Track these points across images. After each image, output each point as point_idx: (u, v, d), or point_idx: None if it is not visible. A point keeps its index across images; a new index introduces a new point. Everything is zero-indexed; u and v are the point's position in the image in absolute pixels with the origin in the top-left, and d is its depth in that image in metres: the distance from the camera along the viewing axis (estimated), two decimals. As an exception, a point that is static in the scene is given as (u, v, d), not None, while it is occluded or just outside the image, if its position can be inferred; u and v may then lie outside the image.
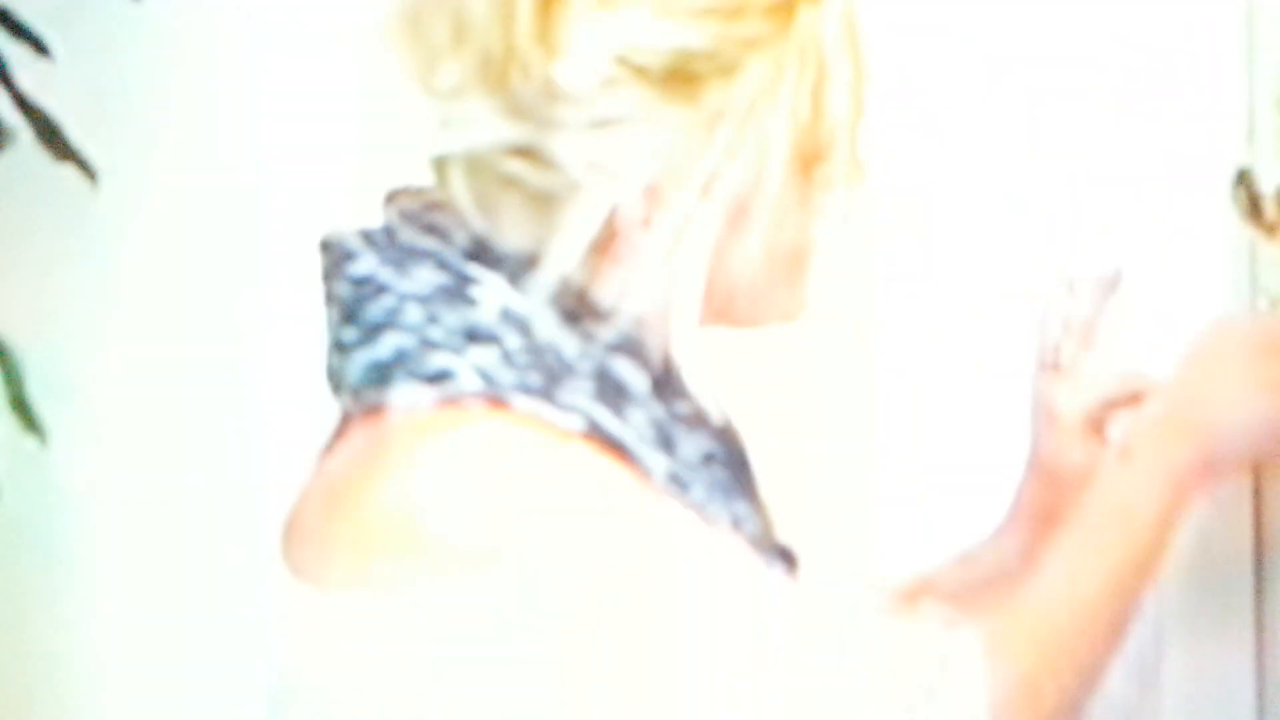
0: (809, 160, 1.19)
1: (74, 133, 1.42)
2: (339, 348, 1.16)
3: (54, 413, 1.45)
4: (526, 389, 1.11)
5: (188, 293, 1.54)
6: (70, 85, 1.49)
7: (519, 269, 1.15)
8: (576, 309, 1.15)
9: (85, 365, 1.57)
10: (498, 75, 1.14)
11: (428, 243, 1.17)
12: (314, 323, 1.16)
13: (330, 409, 1.16)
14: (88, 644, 1.59)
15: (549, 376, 1.13)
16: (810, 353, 1.29)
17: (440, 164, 1.17)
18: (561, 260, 1.14)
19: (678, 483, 1.15)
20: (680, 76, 1.15)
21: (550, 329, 1.14)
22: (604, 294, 1.15)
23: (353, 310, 1.15)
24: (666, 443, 1.17)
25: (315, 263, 1.19)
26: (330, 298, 1.17)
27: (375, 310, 1.14)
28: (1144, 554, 1.27)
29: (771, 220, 1.17)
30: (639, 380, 1.16)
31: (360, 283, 1.16)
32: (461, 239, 1.17)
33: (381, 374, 1.12)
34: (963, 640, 1.16)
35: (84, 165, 1.40)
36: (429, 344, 1.12)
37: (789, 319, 1.24)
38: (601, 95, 1.14)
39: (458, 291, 1.14)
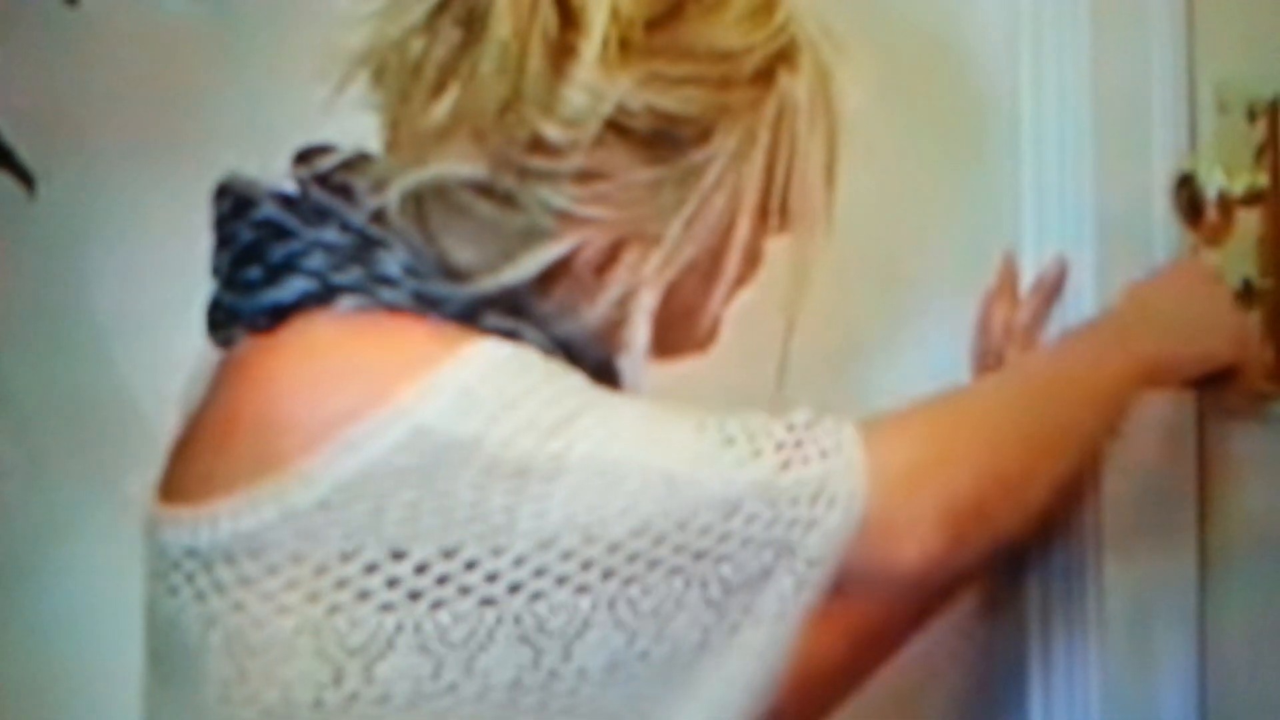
0: (771, 213, 1.27)
1: (10, 139, 1.39)
2: (237, 285, 1.21)
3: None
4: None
5: (130, 302, 1.53)
6: (3, 90, 1.47)
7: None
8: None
9: (17, 372, 1.55)
10: (490, 124, 1.19)
11: (336, 204, 1.21)
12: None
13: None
14: None
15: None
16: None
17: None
18: (502, 282, 1.20)
19: None
20: (661, 138, 1.22)
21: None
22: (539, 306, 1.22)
23: (255, 251, 1.20)
24: None
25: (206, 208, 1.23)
26: (225, 240, 1.22)
27: (279, 252, 1.20)
28: (1070, 399, 1.38)
29: (728, 266, 1.26)
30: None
31: (262, 225, 1.21)
32: (370, 205, 1.21)
33: (283, 314, 1.19)
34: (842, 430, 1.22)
35: (21, 172, 1.38)
36: (332, 288, 1.18)
37: (704, 351, 1.33)
38: (584, 152, 1.20)
39: (364, 248, 1.20)
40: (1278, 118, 1.53)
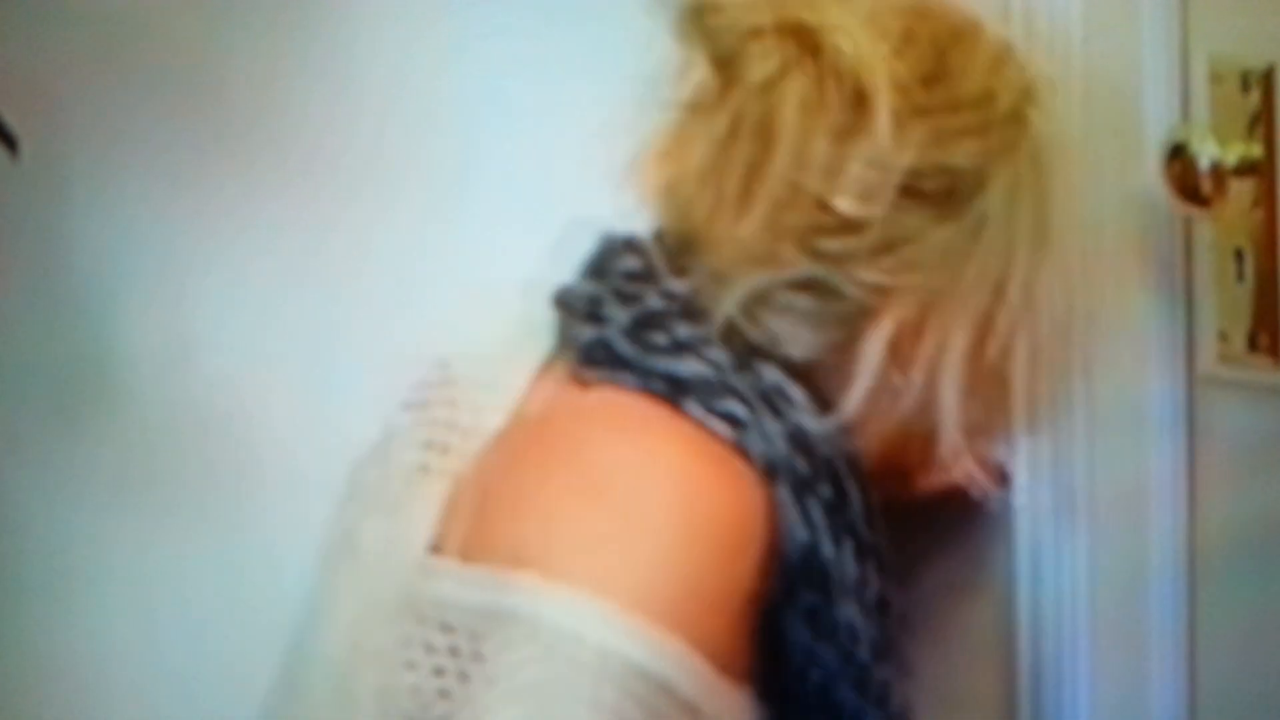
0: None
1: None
2: (637, 340, 1.25)
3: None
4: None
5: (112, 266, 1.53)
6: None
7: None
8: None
9: None
10: (801, 222, 1.23)
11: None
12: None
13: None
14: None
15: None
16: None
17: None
18: (859, 391, 1.25)
19: None
20: (948, 194, 1.25)
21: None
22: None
23: (661, 321, 1.25)
24: None
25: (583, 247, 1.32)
26: (627, 296, 1.28)
27: (684, 332, 1.24)
28: None
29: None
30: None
31: (670, 298, 1.26)
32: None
33: (676, 385, 1.23)
34: None
35: (4, 135, 1.38)
36: (727, 387, 1.23)
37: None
38: (882, 222, 1.23)
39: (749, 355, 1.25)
40: (1272, 88, 1.51)
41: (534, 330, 1.33)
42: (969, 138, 1.25)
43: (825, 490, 1.23)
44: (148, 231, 1.50)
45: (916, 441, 1.30)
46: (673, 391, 1.23)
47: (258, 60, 1.51)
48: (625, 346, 1.25)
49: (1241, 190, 1.52)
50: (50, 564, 1.62)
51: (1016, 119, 1.29)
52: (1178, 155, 1.52)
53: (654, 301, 1.26)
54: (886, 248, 1.23)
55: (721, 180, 1.23)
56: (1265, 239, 1.51)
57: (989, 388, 1.30)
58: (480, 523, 1.21)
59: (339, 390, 1.69)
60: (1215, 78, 1.55)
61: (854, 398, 1.25)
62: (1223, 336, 1.53)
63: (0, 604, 1.65)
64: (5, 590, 1.65)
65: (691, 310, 1.25)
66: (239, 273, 1.64)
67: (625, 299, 1.27)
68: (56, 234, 1.53)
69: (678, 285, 1.26)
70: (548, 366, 1.31)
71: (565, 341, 1.30)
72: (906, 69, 1.23)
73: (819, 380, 1.26)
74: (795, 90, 1.22)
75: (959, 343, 1.27)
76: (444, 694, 1.16)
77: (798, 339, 1.25)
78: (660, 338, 1.24)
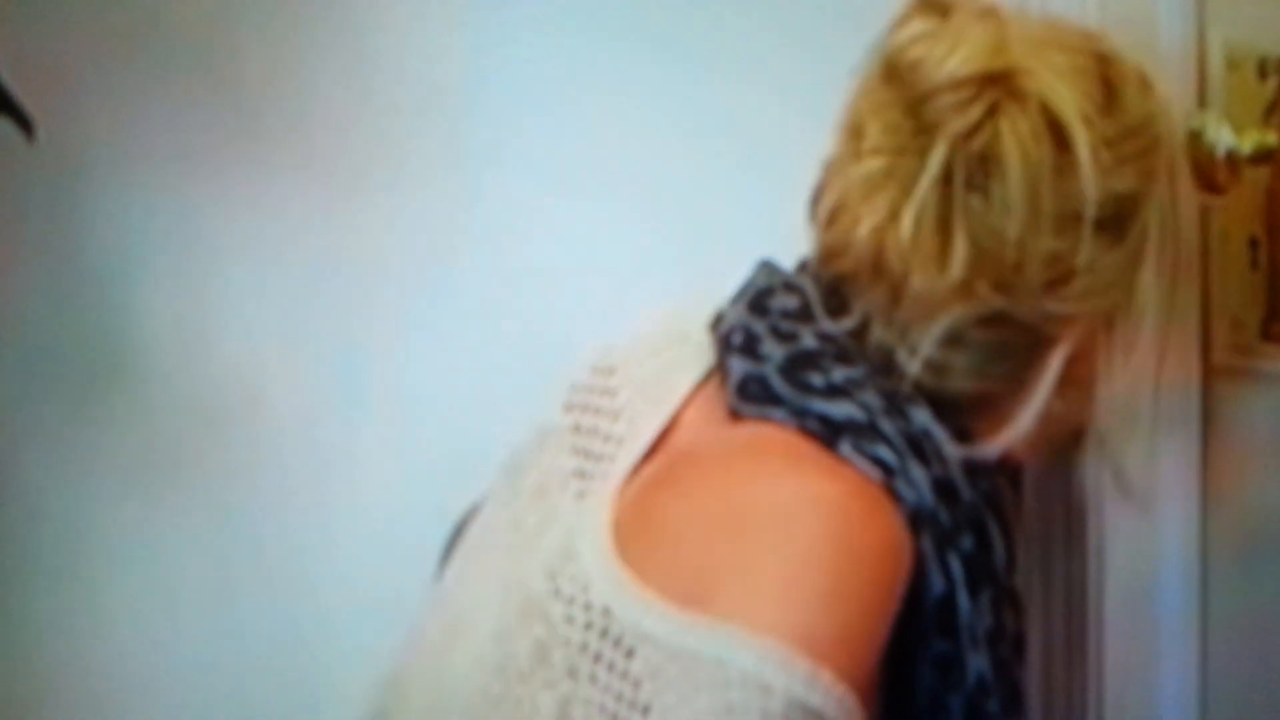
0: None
1: (9, 85, 1.40)
2: (792, 379, 1.28)
3: None
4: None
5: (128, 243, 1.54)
6: (3, 38, 1.48)
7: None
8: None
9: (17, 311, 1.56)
10: (1009, 264, 1.26)
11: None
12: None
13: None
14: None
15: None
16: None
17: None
18: (1028, 417, 1.28)
19: None
20: (1116, 219, 1.29)
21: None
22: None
23: (818, 363, 1.28)
24: None
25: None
26: (782, 335, 1.30)
27: (839, 374, 1.27)
28: None
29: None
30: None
31: (827, 340, 1.29)
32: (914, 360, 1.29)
33: (830, 426, 1.26)
34: None
35: (21, 117, 1.38)
36: (878, 432, 1.25)
37: None
38: (1058, 253, 1.27)
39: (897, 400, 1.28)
40: (1288, 75, 1.52)
41: (693, 348, 1.36)
42: (1133, 162, 1.30)
43: (967, 542, 1.25)
44: (165, 215, 1.51)
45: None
46: (827, 432, 1.25)
47: (275, 42, 1.52)
48: (781, 385, 1.28)
49: (1256, 179, 1.52)
50: (65, 546, 1.63)
51: (1147, 126, 1.33)
52: (1193, 142, 1.52)
53: (809, 341, 1.29)
54: (1065, 278, 1.27)
55: (920, 224, 1.25)
56: (1278, 226, 1.52)
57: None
58: (652, 552, 1.23)
59: (359, 376, 1.69)
60: (1231, 65, 1.54)
61: (1021, 424, 1.29)
62: (1236, 324, 1.53)
63: (17, 585, 1.66)
64: (21, 572, 1.66)
65: (845, 352, 1.28)
66: (257, 257, 1.64)
67: (782, 337, 1.30)
68: (72, 217, 1.53)
69: (833, 326, 1.29)
70: (701, 385, 1.34)
71: (720, 367, 1.33)
72: (1089, 103, 1.28)
73: (968, 417, 1.29)
74: (1011, 135, 1.25)
75: (1121, 359, 1.32)
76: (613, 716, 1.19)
77: (974, 372, 1.28)
78: (816, 378, 1.27)
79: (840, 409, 1.26)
